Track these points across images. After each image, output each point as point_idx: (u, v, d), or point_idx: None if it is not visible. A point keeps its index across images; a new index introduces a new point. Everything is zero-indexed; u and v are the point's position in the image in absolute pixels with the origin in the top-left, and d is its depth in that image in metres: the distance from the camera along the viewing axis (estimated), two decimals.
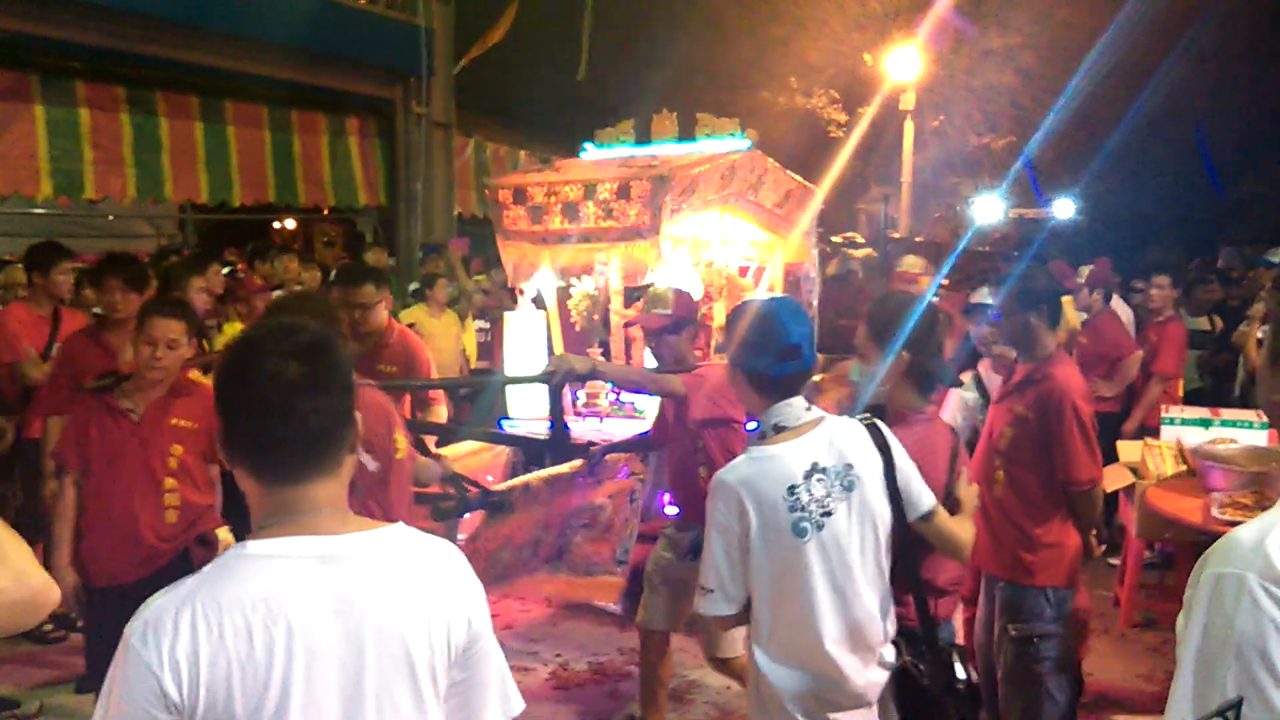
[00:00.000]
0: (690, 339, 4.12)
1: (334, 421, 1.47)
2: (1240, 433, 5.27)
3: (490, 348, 9.08)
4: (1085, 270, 7.82)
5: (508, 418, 5.53)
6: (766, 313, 2.43)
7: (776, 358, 2.36)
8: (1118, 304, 7.37)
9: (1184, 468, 5.03)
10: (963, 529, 2.57)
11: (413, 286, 8.06)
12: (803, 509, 2.30)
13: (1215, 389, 8.02)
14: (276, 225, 14.07)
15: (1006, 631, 3.35)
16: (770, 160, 5.72)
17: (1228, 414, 5.54)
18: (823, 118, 18.02)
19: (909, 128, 16.05)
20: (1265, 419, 4.78)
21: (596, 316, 5.70)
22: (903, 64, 15.36)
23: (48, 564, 3.30)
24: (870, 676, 2.41)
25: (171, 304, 3.84)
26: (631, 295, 5.27)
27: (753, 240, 6.08)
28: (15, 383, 5.12)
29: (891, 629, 2.46)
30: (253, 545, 1.44)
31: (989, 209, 17.12)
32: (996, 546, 3.35)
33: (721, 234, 5.83)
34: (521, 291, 5.69)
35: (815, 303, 6.27)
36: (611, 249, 5.11)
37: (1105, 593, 5.62)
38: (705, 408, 3.75)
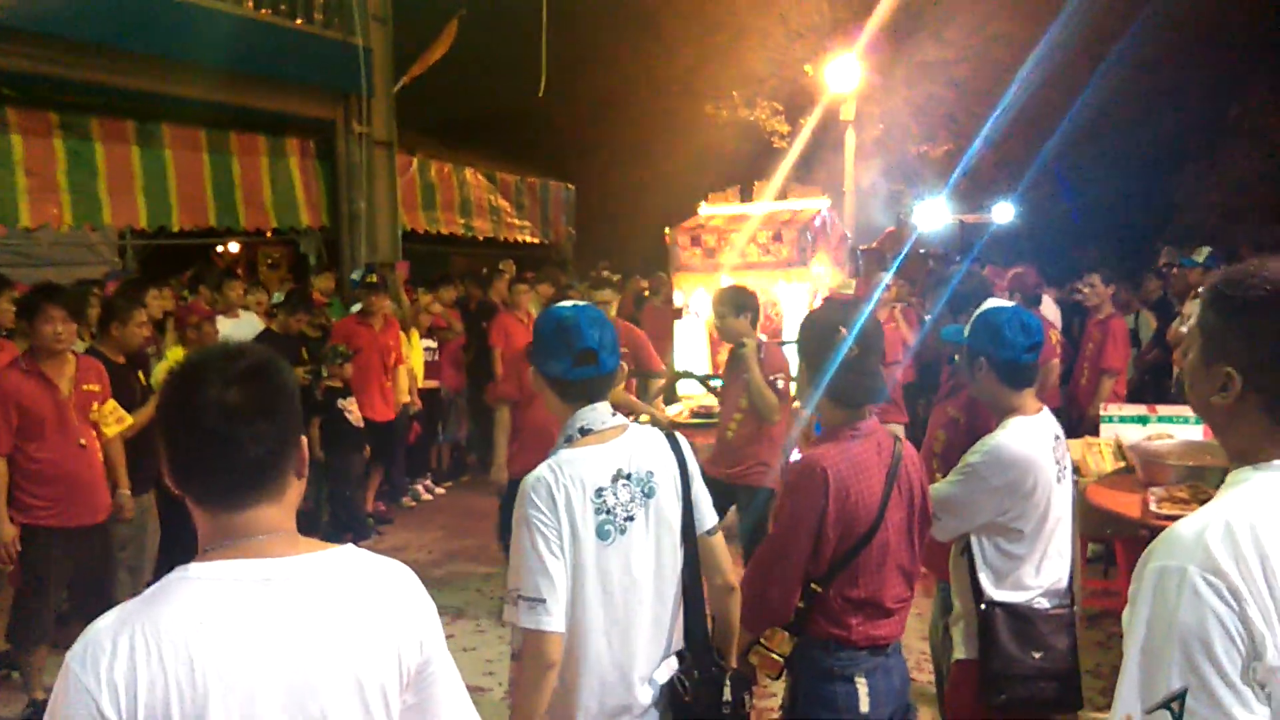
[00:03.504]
0: None
1: (276, 447, 1.46)
2: (1177, 428, 5.40)
3: (438, 366, 9.03)
4: (1010, 272, 8.03)
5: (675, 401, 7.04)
6: (564, 318, 2.41)
7: (572, 362, 2.36)
8: (1047, 306, 7.57)
9: (1123, 464, 5.15)
10: (726, 559, 2.55)
11: (356, 308, 7.98)
12: (609, 512, 2.31)
13: (1153, 385, 8.24)
14: (220, 249, 13.88)
15: (946, 631, 3.40)
16: (835, 213, 7.66)
17: (1165, 410, 5.68)
18: (765, 128, 18.18)
19: (850, 137, 16.24)
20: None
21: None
22: (842, 74, 15.53)
23: None
24: (651, 687, 2.40)
25: None
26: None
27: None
28: None
29: (678, 641, 2.47)
30: (195, 568, 1.43)
31: (931, 215, 17.35)
32: (938, 549, 3.41)
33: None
34: (687, 308, 7.43)
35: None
36: (769, 276, 7.11)
37: None
38: None
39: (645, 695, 2.38)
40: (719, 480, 5.21)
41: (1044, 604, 2.95)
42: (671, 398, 6.99)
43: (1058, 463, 2.99)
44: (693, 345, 7.17)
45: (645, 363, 6.40)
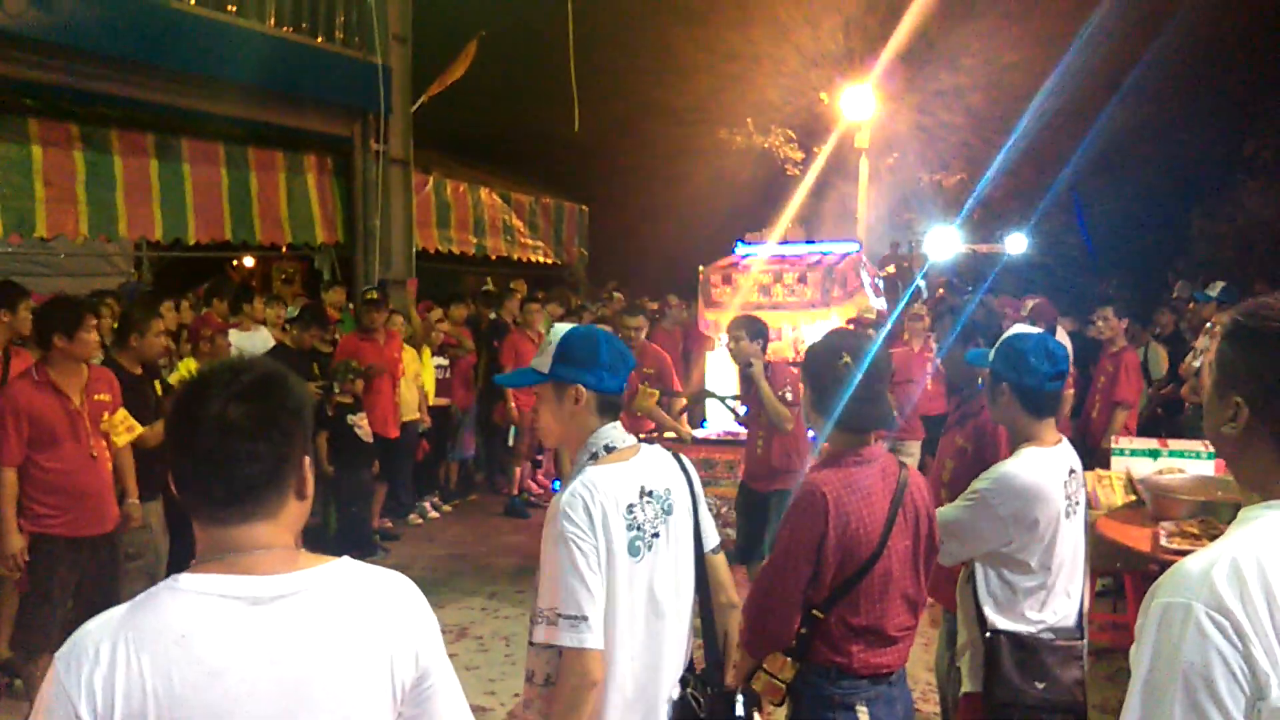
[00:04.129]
0: None
1: (274, 464, 1.45)
2: (1188, 463, 5.38)
3: (450, 384, 9.05)
4: (1030, 303, 8.03)
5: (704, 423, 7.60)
6: (596, 334, 2.43)
7: (610, 375, 2.38)
8: (1060, 337, 7.57)
9: (1133, 498, 5.12)
10: (728, 578, 2.58)
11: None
12: (639, 528, 2.31)
13: (1166, 419, 8.21)
14: (234, 263, 13.95)
15: (953, 662, 3.38)
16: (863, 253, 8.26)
17: (1176, 444, 5.65)
18: (779, 155, 18.26)
19: (864, 165, 16.29)
20: (1212, 449, 4.88)
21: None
22: (857, 103, 15.61)
23: None
24: (670, 703, 2.41)
25: None
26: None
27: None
28: None
29: (686, 657, 2.48)
30: (184, 579, 1.43)
31: (944, 244, 17.38)
32: (944, 579, 3.38)
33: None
34: (719, 340, 7.69)
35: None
36: (793, 317, 7.68)
37: None
38: None
39: (664, 713, 2.39)
40: (755, 492, 5.71)
41: (1050, 636, 2.92)
42: (695, 418, 7.47)
43: (1069, 498, 2.96)
44: (722, 373, 7.59)
45: (669, 383, 7.07)
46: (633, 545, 2.30)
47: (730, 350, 5.80)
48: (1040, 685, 2.86)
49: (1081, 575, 3.03)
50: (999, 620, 2.91)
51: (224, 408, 1.42)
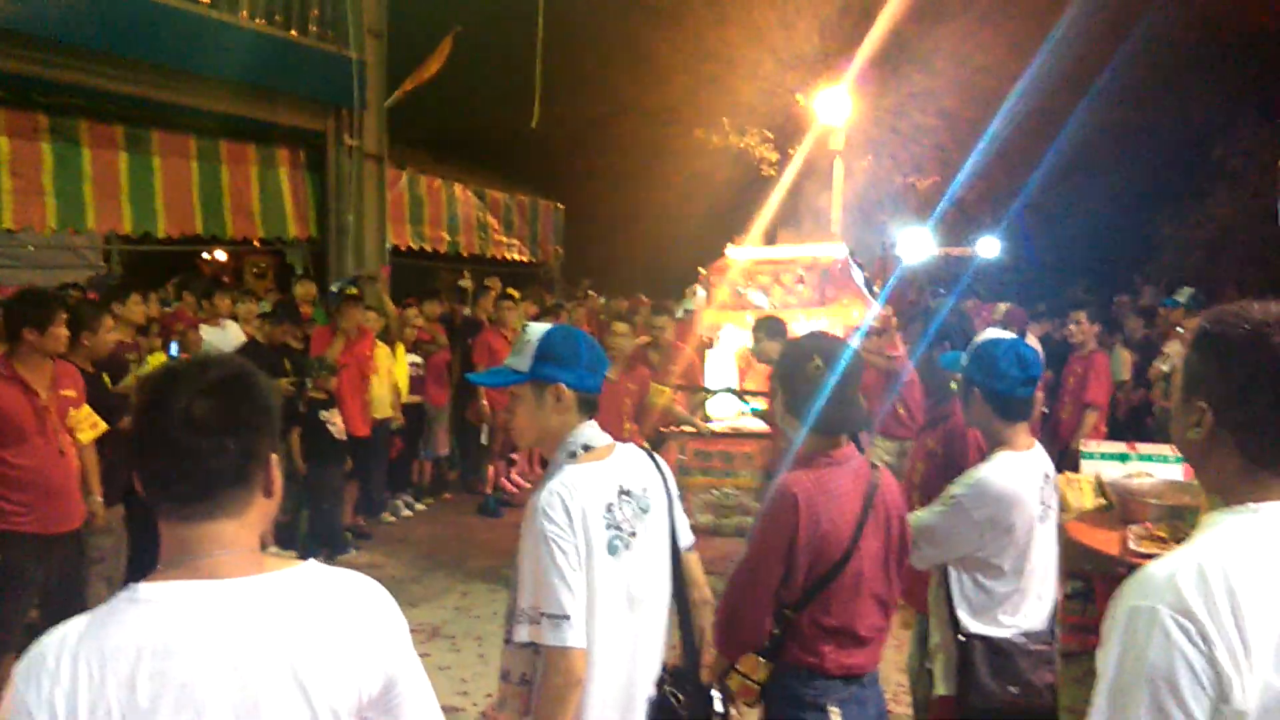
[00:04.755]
0: None
1: (240, 461, 1.44)
2: (1157, 467, 5.44)
3: (423, 382, 9.01)
4: (1002, 307, 8.13)
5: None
6: (576, 333, 2.43)
7: (589, 374, 2.39)
8: (1031, 340, 7.67)
9: (1103, 501, 5.17)
10: (701, 576, 2.61)
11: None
12: (617, 527, 2.32)
13: (1133, 423, 8.31)
14: (206, 256, 13.83)
15: (924, 664, 3.40)
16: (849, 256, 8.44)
17: (1145, 448, 5.72)
18: (755, 155, 18.29)
19: (838, 167, 16.35)
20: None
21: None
22: (832, 105, 15.66)
23: None
24: (648, 701, 2.43)
25: None
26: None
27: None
28: None
29: (663, 654, 2.49)
30: (143, 589, 1.41)
31: (916, 246, 17.46)
32: (917, 582, 3.41)
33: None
34: (717, 339, 8.19)
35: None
36: (792, 315, 7.60)
37: None
38: None
39: (643, 710, 2.40)
40: None
41: (1023, 640, 2.95)
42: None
43: (1043, 502, 2.99)
44: (722, 369, 8.09)
45: (695, 379, 7.66)
46: (611, 544, 2.30)
47: (754, 351, 6.35)
48: (1014, 689, 2.89)
49: (1054, 579, 3.07)
50: (972, 624, 2.94)
51: (190, 403, 1.40)
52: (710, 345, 8.33)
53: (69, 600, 4.68)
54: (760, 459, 6.56)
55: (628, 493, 2.37)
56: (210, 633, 1.38)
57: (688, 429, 6.92)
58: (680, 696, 2.43)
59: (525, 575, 2.25)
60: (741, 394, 7.38)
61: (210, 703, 1.36)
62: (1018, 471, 2.95)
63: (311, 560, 1.54)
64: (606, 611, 2.29)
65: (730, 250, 8.53)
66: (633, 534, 2.35)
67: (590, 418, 2.41)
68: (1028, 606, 2.97)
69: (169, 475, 1.42)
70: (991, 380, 2.98)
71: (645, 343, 7.06)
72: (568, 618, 2.18)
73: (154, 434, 1.41)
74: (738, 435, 7.05)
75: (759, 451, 6.65)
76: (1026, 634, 2.95)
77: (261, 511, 1.50)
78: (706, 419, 7.42)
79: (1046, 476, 3.04)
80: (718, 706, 2.45)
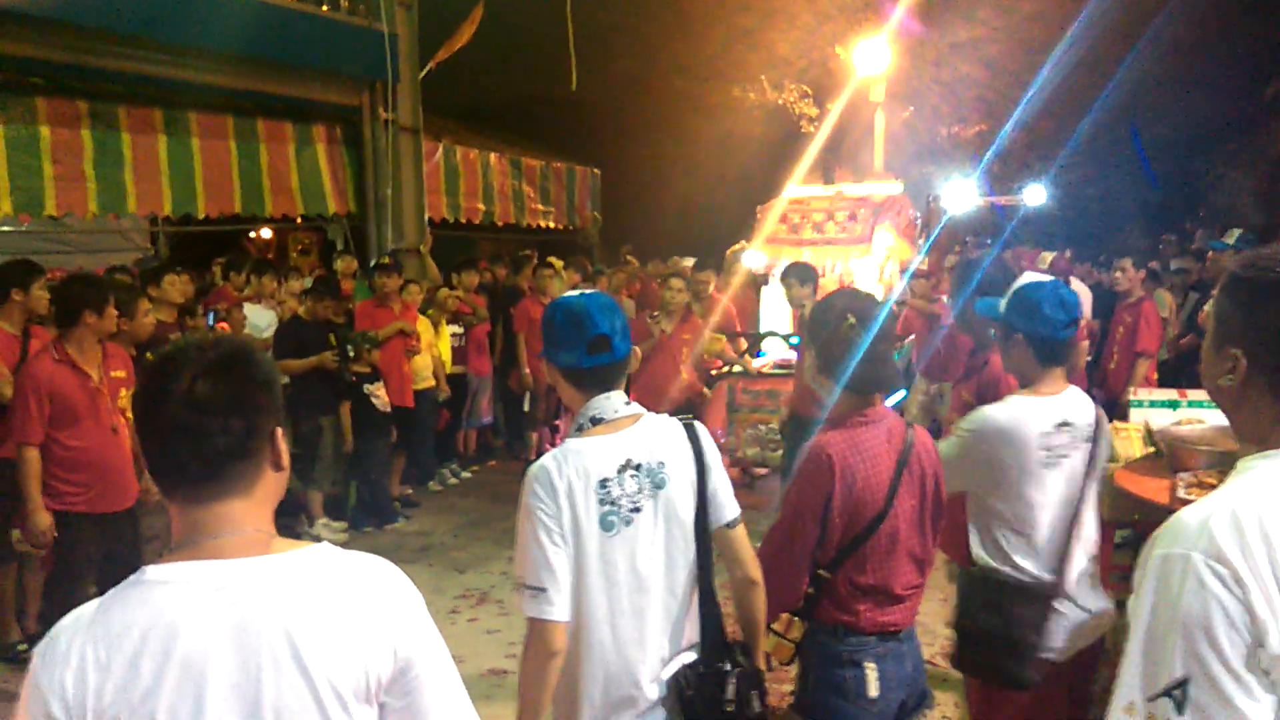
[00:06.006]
0: None
1: (246, 439, 1.45)
2: (1208, 413, 5.32)
3: (465, 352, 9.08)
4: (1048, 256, 7.99)
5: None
6: (574, 307, 2.36)
7: (586, 350, 2.31)
8: (1077, 285, 7.53)
9: (1152, 449, 5.08)
10: (748, 552, 2.46)
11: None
12: (613, 503, 2.27)
13: (1185, 369, 8.14)
14: (251, 235, 13.98)
15: None
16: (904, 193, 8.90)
17: (1195, 395, 5.59)
18: (794, 111, 18.05)
19: (879, 118, 16.09)
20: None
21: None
22: (872, 56, 15.39)
23: None
24: (659, 683, 2.35)
25: None
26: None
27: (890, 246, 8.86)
28: None
29: (692, 634, 2.40)
30: (151, 571, 1.43)
31: (961, 197, 17.20)
32: (954, 530, 3.39)
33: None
34: (773, 275, 8.47)
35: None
36: (844, 251, 8.26)
37: None
38: None
39: (653, 691, 2.34)
40: (806, 418, 5.84)
41: (1020, 578, 2.95)
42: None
43: (1048, 448, 2.93)
44: (776, 308, 8.47)
45: (733, 327, 8.17)
46: (605, 519, 2.26)
47: (786, 296, 6.61)
48: (997, 621, 2.91)
49: (1073, 528, 3.00)
50: (981, 554, 3.01)
51: (193, 382, 1.42)
52: (766, 282, 8.68)
53: (124, 579, 4.79)
54: (791, 397, 6.79)
55: (637, 466, 2.31)
56: (212, 611, 1.39)
57: (737, 369, 7.67)
58: (689, 677, 2.36)
59: (516, 546, 2.28)
60: (785, 336, 7.89)
61: (211, 679, 1.37)
62: (1023, 413, 2.92)
63: (324, 543, 1.55)
64: (600, 586, 2.27)
65: (789, 188, 8.82)
66: (635, 509, 2.29)
67: (605, 391, 2.36)
68: (1044, 554, 2.96)
69: (178, 456, 1.43)
70: (1034, 324, 2.95)
71: (690, 296, 7.54)
72: (544, 590, 2.20)
73: (159, 415, 1.43)
74: (784, 375, 7.47)
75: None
76: (1025, 573, 2.95)
77: (272, 486, 1.51)
78: (754, 357, 8.03)
79: (1066, 424, 2.97)
80: (728, 694, 2.35)
